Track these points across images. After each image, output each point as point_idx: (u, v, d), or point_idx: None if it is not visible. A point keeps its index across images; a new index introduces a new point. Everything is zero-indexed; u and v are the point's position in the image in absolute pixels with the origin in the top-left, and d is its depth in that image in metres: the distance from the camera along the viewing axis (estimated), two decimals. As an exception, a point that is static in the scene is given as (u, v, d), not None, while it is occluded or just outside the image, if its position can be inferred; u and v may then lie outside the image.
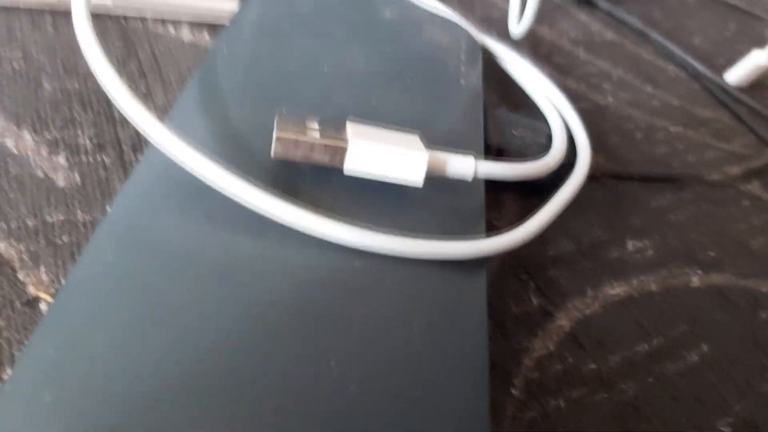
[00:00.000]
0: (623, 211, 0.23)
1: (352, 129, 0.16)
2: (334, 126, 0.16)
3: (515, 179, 0.17)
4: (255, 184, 0.14)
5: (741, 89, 0.34)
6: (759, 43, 0.42)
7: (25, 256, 0.16)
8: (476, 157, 0.17)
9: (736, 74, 0.34)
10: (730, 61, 0.37)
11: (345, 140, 0.15)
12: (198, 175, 0.14)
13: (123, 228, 0.14)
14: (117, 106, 0.15)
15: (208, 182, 0.14)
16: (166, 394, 0.11)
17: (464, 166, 0.16)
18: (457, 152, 0.17)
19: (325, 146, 0.15)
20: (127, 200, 0.14)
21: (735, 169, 0.26)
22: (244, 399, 0.12)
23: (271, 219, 0.14)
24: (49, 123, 0.20)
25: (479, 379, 0.13)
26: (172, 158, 0.14)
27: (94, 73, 0.16)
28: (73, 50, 0.23)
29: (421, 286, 0.15)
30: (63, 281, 0.16)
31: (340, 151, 0.15)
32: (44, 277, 0.16)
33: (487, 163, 0.17)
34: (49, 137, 0.19)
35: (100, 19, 0.25)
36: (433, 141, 0.18)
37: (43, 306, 0.15)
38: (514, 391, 0.16)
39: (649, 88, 0.32)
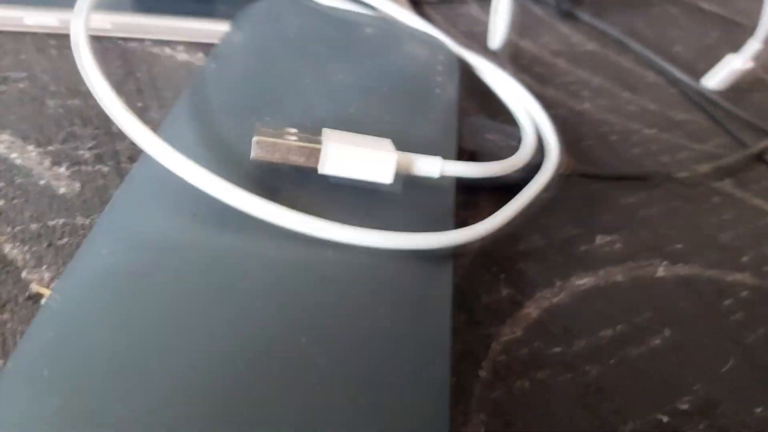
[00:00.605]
0: (594, 209, 0.24)
1: (327, 134, 0.17)
2: (311, 132, 0.17)
3: (480, 177, 0.19)
4: (235, 184, 0.15)
5: (718, 93, 0.35)
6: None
7: (28, 256, 0.17)
8: (443, 159, 0.18)
9: (713, 79, 0.35)
10: (711, 67, 0.39)
11: (319, 143, 0.17)
12: (184, 178, 0.15)
13: (116, 225, 0.15)
14: (113, 119, 0.17)
15: (193, 183, 0.15)
16: (154, 372, 0.13)
17: (431, 165, 0.18)
18: (425, 154, 0.18)
19: (301, 148, 0.17)
20: (121, 201, 0.16)
21: (705, 167, 0.27)
22: (225, 375, 0.13)
23: (251, 216, 0.15)
24: (51, 138, 0.21)
25: (441, 358, 0.15)
26: (162, 163, 0.16)
27: (92, 92, 0.17)
28: (75, 71, 0.24)
29: (391, 277, 0.16)
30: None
31: (315, 152, 0.17)
32: (46, 275, 0.17)
33: (453, 163, 0.18)
34: (52, 150, 0.21)
35: (100, 41, 0.27)
36: (408, 146, 0.19)
37: (44, 301, 0.16)
38: (481, 373, 0.17)
39: (626, 94, 0.33)
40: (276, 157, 0.16)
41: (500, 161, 0.19)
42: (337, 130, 0.18)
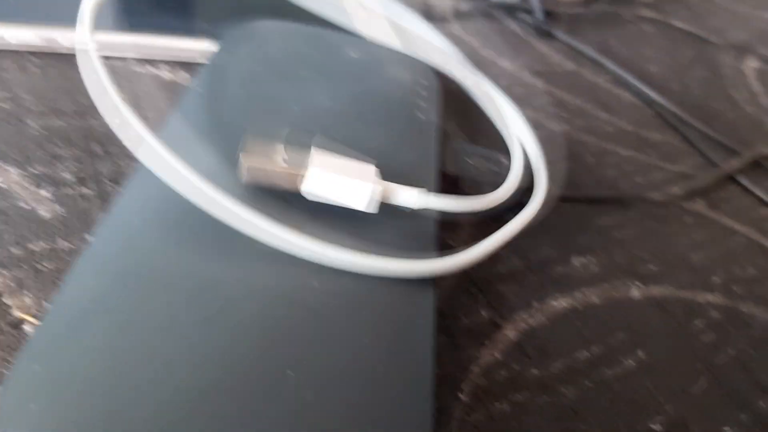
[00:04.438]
0: (570, 231, 0.25)
1: (315, 157, 0.18)
2: (300, 152, 0.18)
3: (459, 211, 0.19)
4: (232, 198, 0.16)
5: (690, 113, 0.36)
6: (713, 68, 0.44)
7: (10, 282, 0.17)
8: (422, 191, 0.18)
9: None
10: (685, 87, 0.40)
11: (305, 169, 0.17)
12: (184, 188, 0.16)
13: (102, 254, 0.15)
14: (111, 124, 0.17)
15: (189, 195, 0.16)
16: (141, 406, 0.13)
17: (409, 197, 0.18)
18: (407, 185, 0.18)
19: (288, 174, 0.17)
20: (107, 229, 0.16)
21: (676, 189, 0.28)
22: (211, 404, 0.13)
23: (238, 238, 0.16)
24: (33, 159, 0.21)
25: (424, 385, 0.15)
26: (160, 173, 0.16)
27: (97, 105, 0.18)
28: (56, 90, 0.24)
29: (374, 303, 0.16)
30: (45, 304, 0.17)
31: (300, 179, 0.17)
32: (28, 301, 0.17)
33: (433, 196, 0.18)
34: (34, 172, 0.21)
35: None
36: (390, 171, 0.20)
37: (27, 328, 0.17)
38: (462, 396, 0.18)
39: (603, 115, 0.34)
40: (264, 182, 0.17)
41: (482, 197, 0.20)
42: (324, 152, 0.18)
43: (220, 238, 0.16)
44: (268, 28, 0.26)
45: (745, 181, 0.31)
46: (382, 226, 0.18)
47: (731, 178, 0.31)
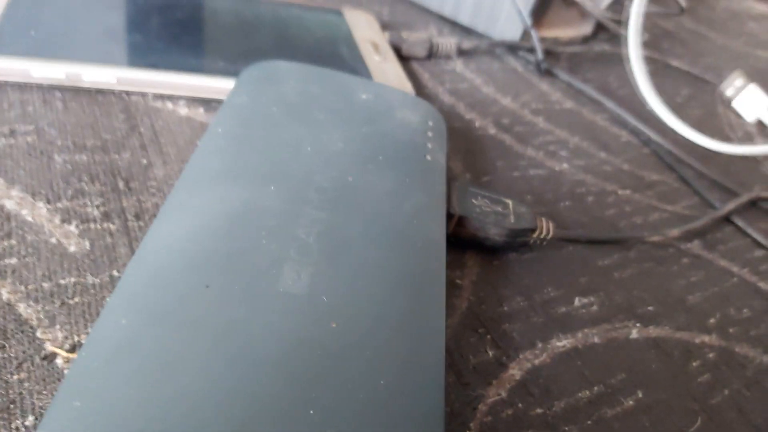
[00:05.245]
0: (572, 271, 0.26)
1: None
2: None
3: None
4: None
5: (687, 153, 0.37)
6: (709, 107, 0.45)
7: (42, 316, 0.18)
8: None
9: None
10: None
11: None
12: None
13: (134, 295, 0.16)
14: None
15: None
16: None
17: None
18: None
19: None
20: (136, 268, 0.17)
21: (675, 231, 0.29)
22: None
23: (263, 278, 0.17)
24: (60, 194, 0.22)
25: (437, 424, 0.16)
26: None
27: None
28: (80, 125, 0.25)
29: (389, 345, 0.17)
30: (76, 338, 0.18)
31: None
32: (59, 335, 0.18)
33: None
34: (61, 207, 0.22)
35: (104, 95, 0.28)
36: (401, 212, 0.21)
37: (59, 361, 0.17)
38: (469, 434, 0.19)
39: (602, 154, 0.35)
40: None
41: None
42: None
43: (244, 279, 0.17)
44: (283, 68, 0.27)
45: (740, 222, 0.32)
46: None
47: (727, 219, 0.32)
